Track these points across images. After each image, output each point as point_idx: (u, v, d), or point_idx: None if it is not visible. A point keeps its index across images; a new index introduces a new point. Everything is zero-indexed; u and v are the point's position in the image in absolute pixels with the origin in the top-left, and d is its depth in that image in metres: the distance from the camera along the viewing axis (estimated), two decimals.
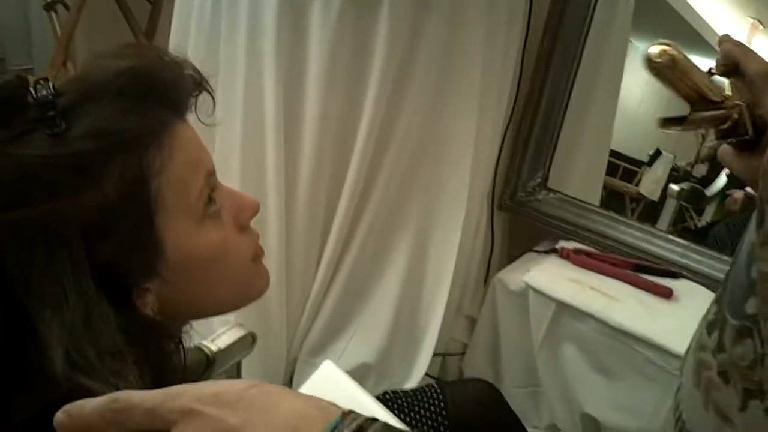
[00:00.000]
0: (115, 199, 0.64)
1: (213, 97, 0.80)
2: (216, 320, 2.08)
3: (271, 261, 1.98)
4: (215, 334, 1.47)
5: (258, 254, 0.82)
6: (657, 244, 2.05)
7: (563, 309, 1.90)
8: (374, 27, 1.76)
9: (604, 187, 2.39)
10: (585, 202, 2.18)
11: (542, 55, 2.05)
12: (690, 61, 0.79)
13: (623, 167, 2.51)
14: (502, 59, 1.94)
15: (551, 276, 1.97)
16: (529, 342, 1.99)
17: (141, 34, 3.25)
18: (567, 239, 2.16)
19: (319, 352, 2.15)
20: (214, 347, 1.42)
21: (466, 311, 2.28)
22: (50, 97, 0.65)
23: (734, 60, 0.76)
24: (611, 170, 2.44)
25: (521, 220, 2.26)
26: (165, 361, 0.71)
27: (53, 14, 3.07)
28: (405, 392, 1.45)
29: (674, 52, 0.78)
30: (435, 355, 2.15)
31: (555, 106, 2.08)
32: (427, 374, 2.13)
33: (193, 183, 0.71)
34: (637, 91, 2.36)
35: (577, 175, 2.28)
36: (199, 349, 1.42)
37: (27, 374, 0.63)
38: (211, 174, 0.75)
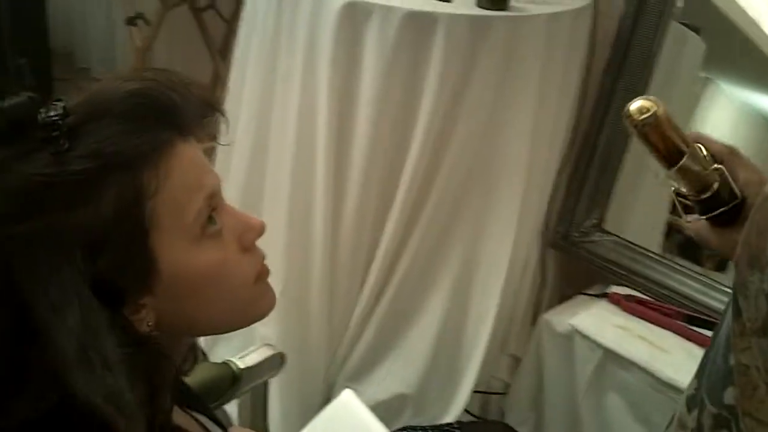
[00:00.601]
0: (111, 218, 0.66)
1: (226, 119, 0.82)
2: (243, 337, 2.12)
3: (314, 283, 1.98)
4: (244, 352, 1.47)
5: (262, 275, 0.82)
6: (715, 297, 1.96)
7: (609, 356, 1.86)
8: (429, 52, 1.75)
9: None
10: (642, 248, 2.11)
11: (603, 92, 2.00)
12: (673, 121, 0.75)
13: None
14: (559, 94, 1.90)
15: (599, 321, 1.92)
16: (574, 387, 1.95)
17: (216, 50, 3.33)
18: (620, 284, 2.10)
19: (356, 378, 2.13)
20: (241, 364, 1.42)
21: (511, 350, 2.23)
22: (58, 118, 0.67)
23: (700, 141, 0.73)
24: None
25: (575, 261, 2.20)
26: (157, 376, 0.72)
27: (134, 28, 3.17)
28: (423, 428, 1.42)
29: (657, 109, 0.74)
30: (476, 392, 2.11)
31: (615, 146, 2.03)
32: (466, 410, 2.09)
33: (190, 204, 0.72)
34: (724, 131, 2.30)
35: (636, 219, 2.22)
36: (225, 364, 1.42)
37: (27, 379, 0.66)
38: (214, 195, 0.75)
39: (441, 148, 1.87)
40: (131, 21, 3.15)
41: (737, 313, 0.61)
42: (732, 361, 0.62)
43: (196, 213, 0.72)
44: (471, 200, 1.95)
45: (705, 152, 0.80)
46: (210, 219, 0.74)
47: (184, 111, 0.74)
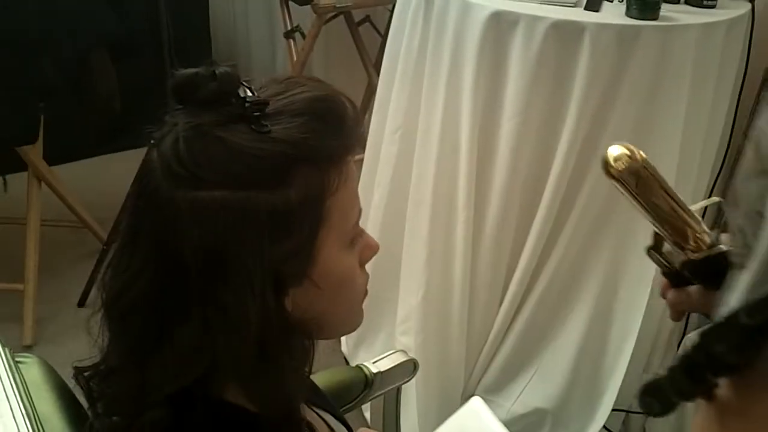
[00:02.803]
0: (297, 204, 0.71)
1: (365, 138, 0.88)
2: (383, 344, 2.15)
3: (455, 294, 1.99)
4: (378, 357, 1.49)
5: (365, 293, 0.88)
6: None
7: None
8: (575, 63, 1.73)
9: None
10: None
11: (758, 108, 1.91)
12: (656, 172, 0.69)
13: None
14: (710, 107, 1.83)
15: None
16: None
17: (370, 63, 3.39)
18: None
19: (495, 390, 2.13)
20: (374, 369, 1.44)
21: (654, 369, 2.16)
22: (261, 99, 0.72)
23: None
24: None
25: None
26: (302, 364, 0.79)
27: (292, 41, 3.27)
28: None
29: (636, 159, 0.67)
30: (617, 410, 2.06)
31: None
32: (606, 428, 2.05)
33: (352, 211, 0.80)
34: None
35: None
36: (359, 368, 1.45)
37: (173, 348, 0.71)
38: (361, 209, 0.82)
39: (585, 161, 1.83)
40: (289, 34, 3.25)
41: None
42: None
43: (355, 219, 0.80)
44: (615, 215, 1.91)
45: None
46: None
47: (355, 126, 0.78)
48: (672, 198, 0.70)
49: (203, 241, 0.69)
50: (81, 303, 2.58)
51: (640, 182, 0.68)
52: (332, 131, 0.74)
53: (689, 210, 0.70)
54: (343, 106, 0.76)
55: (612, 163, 0.67)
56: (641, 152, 0.68)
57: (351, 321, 0.88)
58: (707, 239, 0.69)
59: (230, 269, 0.69)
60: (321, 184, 0.73)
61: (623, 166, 0.66)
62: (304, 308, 0.77)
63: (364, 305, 0.88)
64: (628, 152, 0.67)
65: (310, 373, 1.00)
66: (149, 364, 0.72)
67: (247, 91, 0.72)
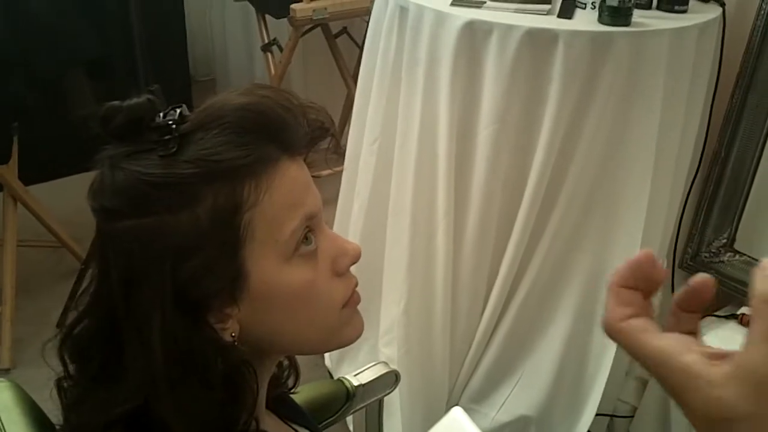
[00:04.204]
0: (205, 224, 0.69)
1: (339, 144, 0.84)
2: (367, 356, 2.14)
3: (437, 304, 1.99)
4: (360, 369, 1.48)
5: (351, 301, 0.82)
6: None
7: None
8: (549, 70, 1.74)
9: None
10: None
11: (733, 107, 1.93)
12: None
13: None
14: (685, 110, 1.85)
15: (728, 343, 1.81)
16: None
17: (349, 75, 3.41)
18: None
19: (479, 399, 2.13)
20: (355, 381, 1.44)
21: (637, 372, 2.17)
22: (172, 122, 0.71)
23: None
24: None
25: None
26: (234, 386, 0.74)
27: (269, 54, 3.27)
28: None
29: None
30: (601, 415, 2.07)
31: (745, 164, 1.95)
32: None
33: (287, 222, 0.73)
34: None
35: None
36: (340, 381, 1.44)
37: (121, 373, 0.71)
38: (312, 216, 0.76)
39: (562, 167, 1.85)
40: (266, 47, 3.25)
41: None
42: None
43: (291, 231, 0.73)
44: (593, 221, 1.92)
45: None
46: (305, 239, 0.75)
47: (294, 131, 0.75)
48: None
49: (121, 270, 0.70)
50: (59, 323, 2.56)
51: None
52: (247, 141, 0.71)
53: None
54: (270, 111, 0.73)
55: None
56: None
57: (334, 334, 0.82)
58: None
59: (143, 295, 0.69)
60: (234, 199, 0.70)
61: None
62: (253, 326, 0.75)
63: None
64: None
65: (289, 389, 1.00)
66: (103, 386, 0.72)
67: (169, 116, 0.71)
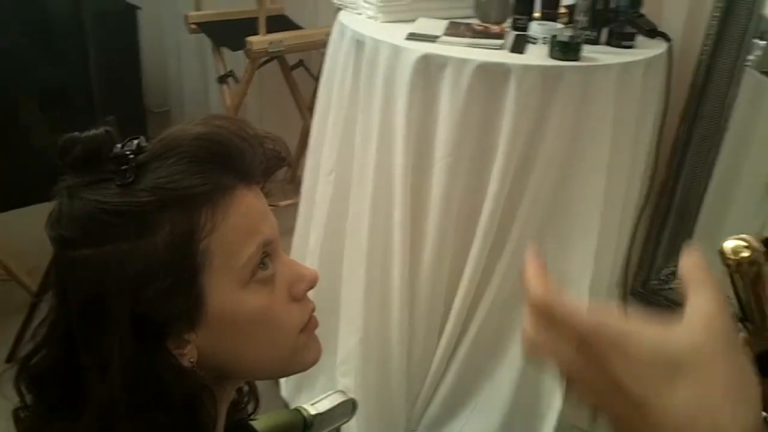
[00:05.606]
0: (162, 252, 0.70)
1: (295, 173, 0.85)
2: (324, 386, 2.15)
3: (393, 331, 2.01)
4: (317, 398, 1.48)
5: (309, 326, 0.83)
6: None
7: None
8: (502, 103, 1.78)
9: None
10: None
11: (679, 140, 1.99)
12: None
13: None
14: (633, 142, 1.90)
15: None
16: None
17: (305, 106, 3.42)
18: None
19: (437, 427, 2.14)
20: (312, 411, 1.43)
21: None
22: (130, 153, 0.72)
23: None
24: None
25: (654, 308, 2.17)
26: (194, 412, 0.74)
27: (225, 86, 3.28)
28: None
29: (755, 249, 0.63)
30: None
31: (693, 193, 2.01)
32: None
33: (244, 248, 0.74)
34: None
35: (717, 266, 2.17)
36: (297, 411, 1.44)
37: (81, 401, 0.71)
38: (269, 243, 0.77)
39: (516, 197, 1.88)
40: (222, 79, 3.26)
41: None
42: None
43: (248, 257, 0.74)
44: (546, 249, 1.95)
45: None
46: (262, 265, 0.76)
47: (250, 160, 0.76)
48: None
49: (80, 299, 0.71)
50: (9, 359, 2.52)
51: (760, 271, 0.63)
52: (203, 169, 0.72)
53: None
54: (226, 140, 0.75)
55: (732, 254, 0.64)
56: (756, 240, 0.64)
57: (292, 358, 0.83)
58: None
59: (102, 323, 0.70)
60: (191, 226, 0.71)
61: (747, 254, 0.63)
62: (212, 351, 0.75)
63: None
64: (746, 242, 0.63)
65: (249, 416, 1.00)
66: (61, 416, 0.73)
67: (126, 147, 0.72)
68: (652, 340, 0.49)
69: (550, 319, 0.54)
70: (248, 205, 0.76)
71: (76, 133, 0.73)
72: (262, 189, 0.80)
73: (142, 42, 3.68)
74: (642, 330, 0.50)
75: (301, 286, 0.82)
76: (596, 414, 0.52)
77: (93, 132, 0.73)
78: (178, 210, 0.70)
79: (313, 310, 0.84)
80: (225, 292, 0.74)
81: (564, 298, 0.53)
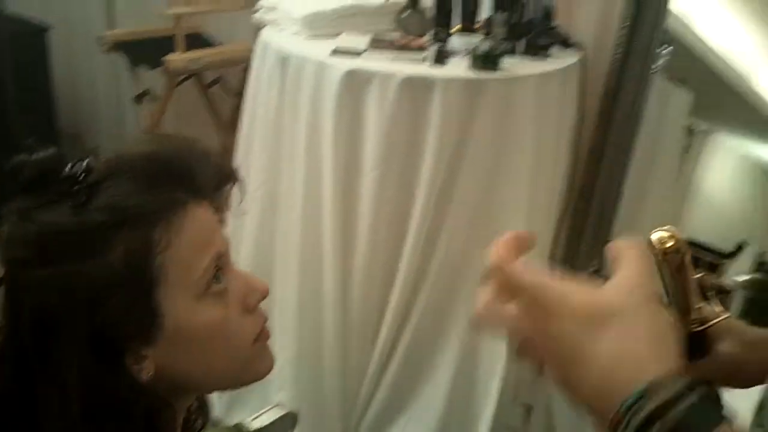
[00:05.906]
0: (118, 269, 0.70)
1: (243, 187, 0.86)
2: (259, 401, 2.14)
3: (327, 343, 2.02)
4: (257, 413, 1.49)
5: (262, 336, 0.85)
6: None
7: None
8: (427, 114, 1.82)
9: None
10: None
11: (595, 145, 2.07)
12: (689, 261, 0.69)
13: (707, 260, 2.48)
14: (554, 148, 1.97)
15: None
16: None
17: (222, 124, 3.41)
18: None
19: None
20: (253, 426, 1.44)
21: (522, 399, 2.25)
22: (80, 173, 0.72)
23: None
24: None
25: None
26: (154, 428, 0.75)
27: (142, 105, 3.25)
28: None
29: (679, 239, 0.67)
30: None
31: (609, 196, 2.09)
32: None
33: (197, 262, 0.75)
34: (724, 184, 2.34)
35: None
36: (237, 427, 1.44)
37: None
38: (221, 256, 0.79)
39: (443, 206, 1.93)
40: (139, 98, 3.23)
41: None
42: None
43: (202, 271, 0.75)
44: (475, 254, 2.00)
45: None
46: (216, 278, 0.77)
47: (199, 176, 0.77)
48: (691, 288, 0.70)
49: (35, 320, 0.71)
50: None
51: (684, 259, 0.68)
52: (156, 187, 0.73)
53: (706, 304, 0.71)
54: (176, 158, 0.76)
55: (658, 244, 0.67)
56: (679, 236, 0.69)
57: (247, 369, 0.84)
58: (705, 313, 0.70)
59: (58, 343, 0.70)
60: (145, 243, 0.71)
61: (672, 243, 0.67)
62: (169, 365, 0.76)
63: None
64: (670, 233, 0.67)
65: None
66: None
67: (76, 168, 0.73)
68: (582, 298, 0.53)
69: (503, 282, 0.58)
70: (200, 219, 0.77)
71: (25, 155, 0.73)
72: (211, 204, 0.81)
73: (53, 63, 3.60)
74: (574, 290, 0.54)
75: (254, 297, 0.83)
76: (541, 372, 0.56)
77: (43, 154, 0.73)
78: (131, 228, 0.71)
79: (266, 320, 0.85)
80: (181, 306, 0.75)
81: (517, 263, 0.58)
